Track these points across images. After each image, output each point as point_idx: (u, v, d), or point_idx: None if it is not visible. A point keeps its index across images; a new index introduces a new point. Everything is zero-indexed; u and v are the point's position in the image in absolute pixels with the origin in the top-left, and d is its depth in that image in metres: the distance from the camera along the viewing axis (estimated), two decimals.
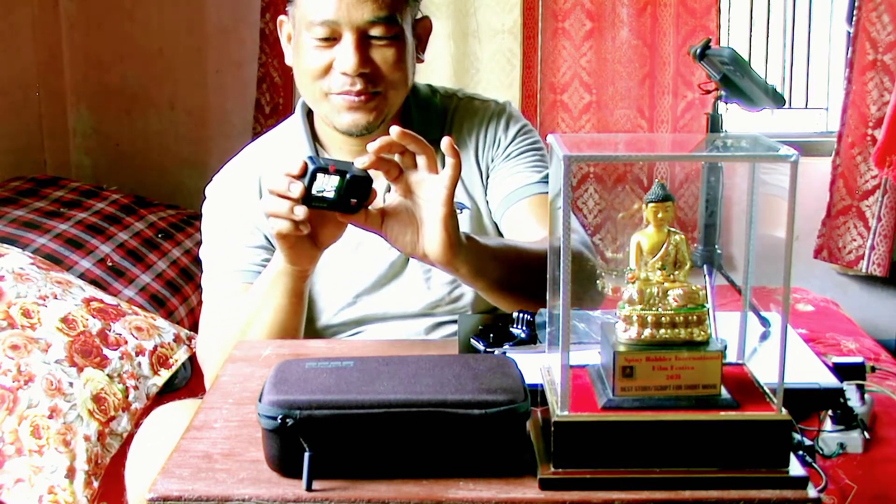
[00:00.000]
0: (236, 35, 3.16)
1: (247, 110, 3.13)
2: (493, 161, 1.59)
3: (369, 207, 1.24)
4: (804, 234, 3.17)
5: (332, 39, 1.44)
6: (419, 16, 1.54)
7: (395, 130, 1.20)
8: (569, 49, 3.12)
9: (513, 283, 1.37)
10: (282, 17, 1.54)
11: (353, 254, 1.55)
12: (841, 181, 3.12)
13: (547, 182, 1.55)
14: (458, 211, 1.54)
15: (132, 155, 3.23)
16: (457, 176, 1.21)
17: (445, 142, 1.21)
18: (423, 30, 1.56)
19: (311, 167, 1.19)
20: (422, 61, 1.57)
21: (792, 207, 0.92)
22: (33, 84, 3.03)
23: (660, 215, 0.96)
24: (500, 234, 1.58)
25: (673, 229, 0.97)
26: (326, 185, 1.19)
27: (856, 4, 3.02)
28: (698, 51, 1.74)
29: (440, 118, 1.59)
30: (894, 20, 2.98)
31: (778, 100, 1.69)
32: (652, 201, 0.96)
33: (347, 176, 1.19)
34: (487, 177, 1.59)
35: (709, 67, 1.73)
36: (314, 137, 1.58)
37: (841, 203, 3.13)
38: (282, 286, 1.36)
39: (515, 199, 1.54)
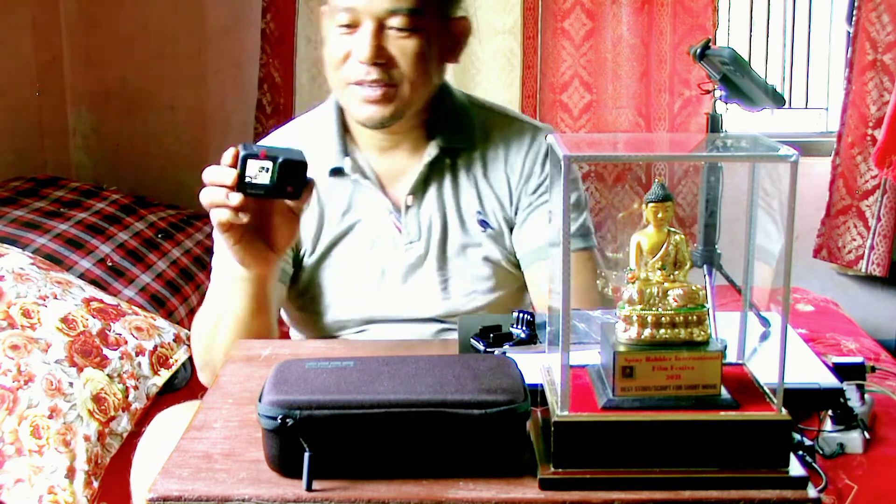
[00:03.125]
0: (236, 35, 3.15)
1: (247, 110, 3.13)
2: (521, 196, 1.55)
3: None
4: (804, 233, 3.17)
5: (353, 27, 1.43)
6: (456, 14, 1.50)
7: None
8: (568, 49, 3.12)
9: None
10: (323, 7, 1.51)
11: (368, 252, 1.54)
12: (841, 181, 3.12)
13: (573, 235, 1.53)
14: (481, 229, 1.53)
15: (132, 155, 3.23)
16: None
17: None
18: (457, 29, 1.51)
19: (242, 153, 1.19)
20: (454, 61, 1.52)
21: (792, 207, 0.92)
22: (33, 84, 3.03)
23: (660, 215, 0.96)
24: (518, 262, 1.56)
25: (673, 229, 0.97)
26: (259, 172, 1.19)
27: (856, 4, 3.02)
28: (698, 51, 1.74)
29: (470, 128, 1.56)
30: (894, 20, 2.98)
31: (778, 100, 1.69)
32: (652, 201, 0.96)
33: (279, 160, 1.19)
34: (516, 205, 1.55)
35: (708, 67, 1.73)
36: (344, 127, 1.55)
37: (841, 203, 3.13)
38: (242, 292, 1.36)
39: (537, 257, 1.53)
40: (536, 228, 1.54)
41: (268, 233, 1.28)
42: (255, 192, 1.20)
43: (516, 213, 1.55)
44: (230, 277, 1.37)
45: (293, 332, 1.69)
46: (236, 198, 1.20)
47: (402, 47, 1.43)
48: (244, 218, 1.22)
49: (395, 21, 1.41)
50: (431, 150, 1.52)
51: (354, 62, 1.43)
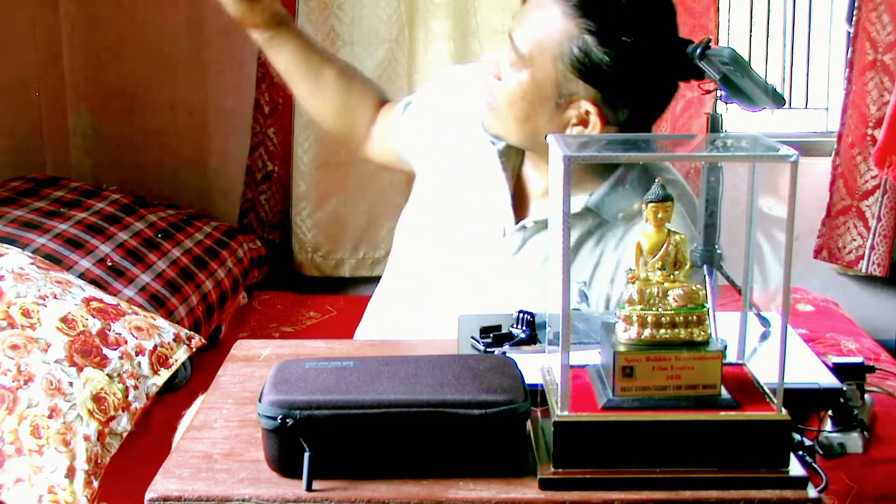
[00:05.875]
0: (236, 35, 3.13)
1: (247, 110, 3.13)
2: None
3: None
4: (804, 234, 3.17)
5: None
6: (582, 93, 1.42)
7: None
8: None
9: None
10: None
11: (470, 215, 1.57)
12: (841, 181, 3.11)
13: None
14: (578, 299, 1.44)
15: (132, 155, 3.23)
16: None
17: None
18: (568, 112, 1.44)
19: None
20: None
21: (792, 207, 0.92)
22: (33, 84, 3.03)
23: (660, 215, 0.96)
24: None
25: (673, 229, 0.97)
26: None
27: (856, 4, 3.02)
28: (698, 51, 1.74)
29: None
30: (894, 20, 2.98)
31: (778, 100, 1.69)
32: (652, 201, 0.96)
33: None
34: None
35: (708, 67, 1.73)
36: None
37: (841, 203, 3.13)
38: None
39: None
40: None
41: None
42: None
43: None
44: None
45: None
46: None
47: (506, 78, 1.45)
48: None
49: (510, 54, 1.44)
50: (582, 208, 1.48)
51: None
